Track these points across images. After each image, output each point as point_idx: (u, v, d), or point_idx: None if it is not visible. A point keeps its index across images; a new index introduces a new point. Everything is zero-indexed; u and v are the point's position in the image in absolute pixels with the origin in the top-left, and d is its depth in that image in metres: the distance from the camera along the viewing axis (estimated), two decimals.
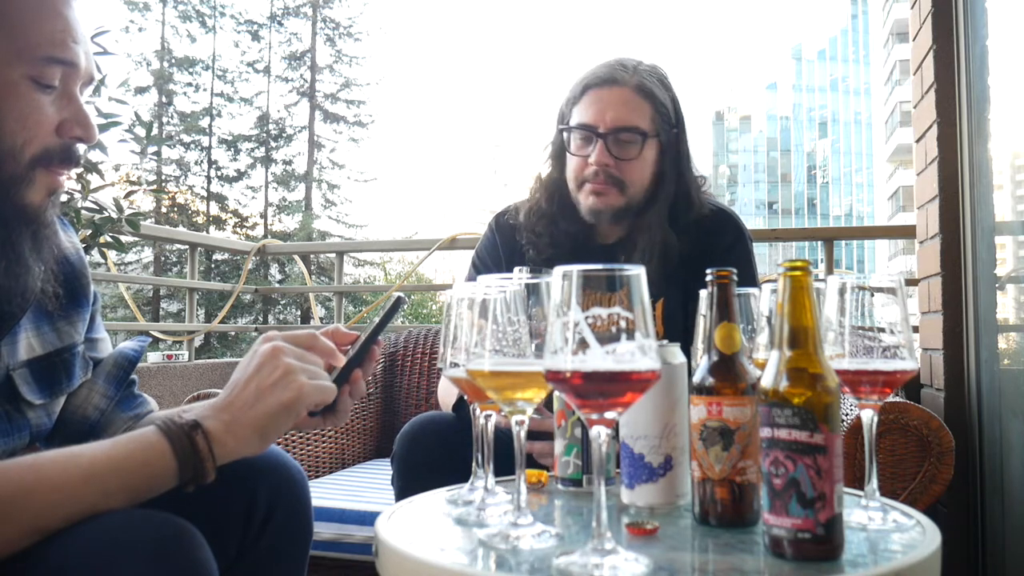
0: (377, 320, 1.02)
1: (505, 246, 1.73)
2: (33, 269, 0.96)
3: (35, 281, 0.96)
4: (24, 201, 0.92)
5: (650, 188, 1.62)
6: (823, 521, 0.76)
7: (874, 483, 0.95)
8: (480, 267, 1.75)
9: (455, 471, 1.20)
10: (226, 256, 18.69)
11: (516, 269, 1.35)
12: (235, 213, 23.52)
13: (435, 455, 1.42)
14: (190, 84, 22.95)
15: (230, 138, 23.28)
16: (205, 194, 22.85)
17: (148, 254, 19.19)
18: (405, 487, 1.42)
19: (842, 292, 0.95)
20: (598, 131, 1.56)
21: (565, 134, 1.63)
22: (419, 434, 1.50)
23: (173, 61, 22.65)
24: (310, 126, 23.94)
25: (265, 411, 0.89)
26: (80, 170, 2.28)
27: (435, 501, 1.09)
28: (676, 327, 1.58)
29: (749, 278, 1.56)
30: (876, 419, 0.96)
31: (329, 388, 0.95)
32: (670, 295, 1.60)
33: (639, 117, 1.57)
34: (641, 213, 1.61)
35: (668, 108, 1.60)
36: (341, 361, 1.01)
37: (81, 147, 0.98)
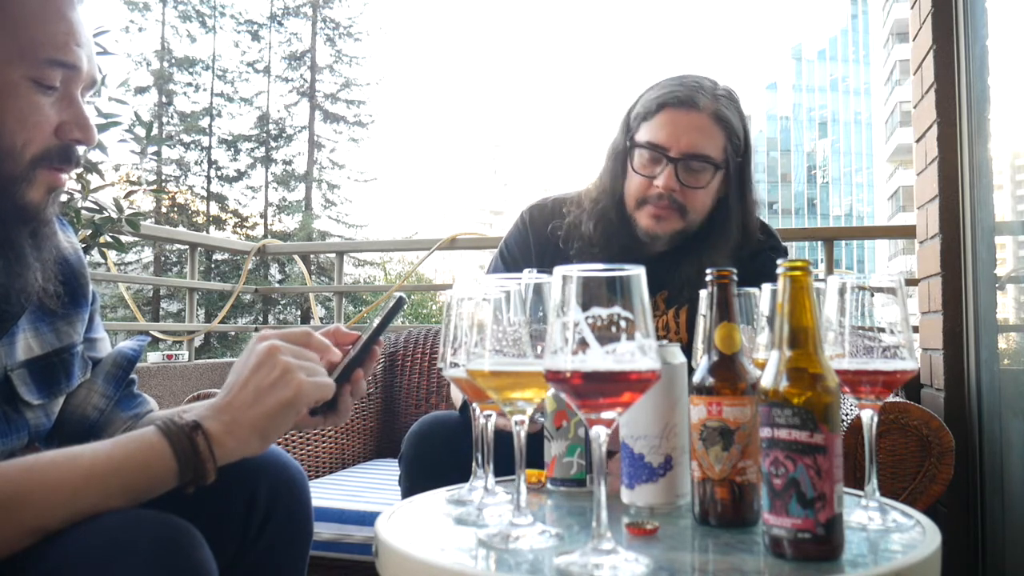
0: (378, 320, 1.02)
1: (537, 242, 1.66)
2: (34, 267, 0.96)
3: (36, 279, 0.96)
4: (24, 200, 0.92)
5: (710, 214, 1.58)
6: (823, 521, 0.76)
7: (874, 483, 0.95)
8: (508, 260, 1.68)
9: (463, 471, 1.20)
10: (226, 256, 18.70)
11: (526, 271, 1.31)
12: (235, 213, 23.53)
13: (443, 455, 1.41)
14: (190, 84, 22.97)
15: (230, 138, 23.29)
16: (205, 194, 22.86)
17: (148, 254, 19.21)
18: (413, 487, 1.41)
19: (842, 292, 0.95)
20: (669, 154, 1.50)
21: (632, 149, 1.56)
22: (427, 434, 1.49)
23: (173, 61, 22.66)
24: (310, 126, 23.94)
25: (265, 411, 0.89)
26: (80, 170, 2.28)
27: (435, 501, 1.09)
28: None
29: None
30: (876, 419, 0.96)
31: (328, 385, 0.95)
32: (695, 302, 1.59)
33: (712, 146, 1.51)
34: (696, 236, 1.57)
35: (740, 138, 1.55)
36: (337, 357, 1.01)
37: (81, 148, 0.98)
